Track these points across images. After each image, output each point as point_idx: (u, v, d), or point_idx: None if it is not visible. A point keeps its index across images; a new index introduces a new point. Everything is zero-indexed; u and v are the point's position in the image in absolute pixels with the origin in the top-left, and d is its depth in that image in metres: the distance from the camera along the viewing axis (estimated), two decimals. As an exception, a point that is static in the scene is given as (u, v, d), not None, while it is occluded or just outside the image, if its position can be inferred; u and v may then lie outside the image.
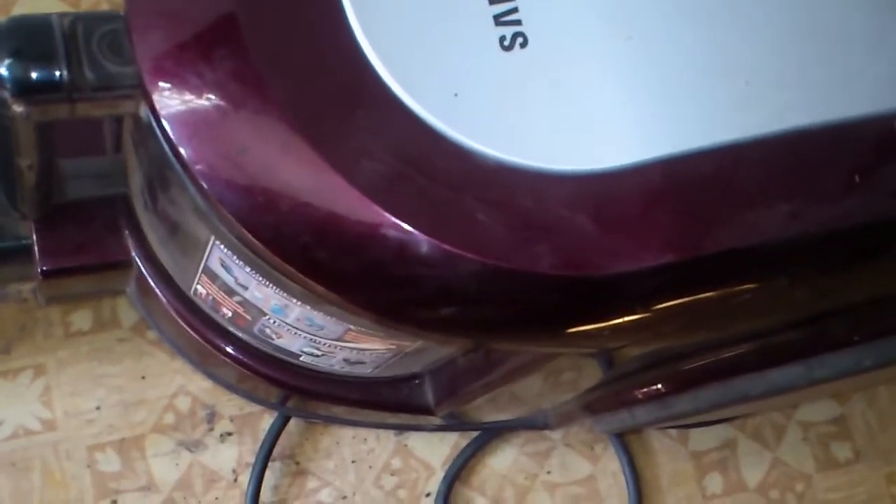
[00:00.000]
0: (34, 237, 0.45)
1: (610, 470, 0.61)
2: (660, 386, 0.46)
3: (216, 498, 0.56)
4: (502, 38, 0.33)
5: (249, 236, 0.33)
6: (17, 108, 0.34)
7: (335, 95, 0.33)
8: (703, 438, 0.63)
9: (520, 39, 0.33)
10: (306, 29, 0.34)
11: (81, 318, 0.57)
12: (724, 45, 0.36)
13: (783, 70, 0.36)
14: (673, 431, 0.62)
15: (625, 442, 0.61)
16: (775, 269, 0.36)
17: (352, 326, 0.38)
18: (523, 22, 0.33)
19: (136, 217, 0.45)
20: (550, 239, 0.33)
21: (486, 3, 0.34)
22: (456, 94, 0.33)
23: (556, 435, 0.61)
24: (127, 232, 0.46)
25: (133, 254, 0.46)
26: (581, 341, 0.36)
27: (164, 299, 0.46)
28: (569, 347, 0.37)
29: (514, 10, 0.33)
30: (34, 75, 0.34)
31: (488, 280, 0.33)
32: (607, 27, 0.34)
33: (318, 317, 0.38)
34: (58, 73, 0.34)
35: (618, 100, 0.34)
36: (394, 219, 0.32)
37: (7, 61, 0.34)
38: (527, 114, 0.33)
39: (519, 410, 0.60)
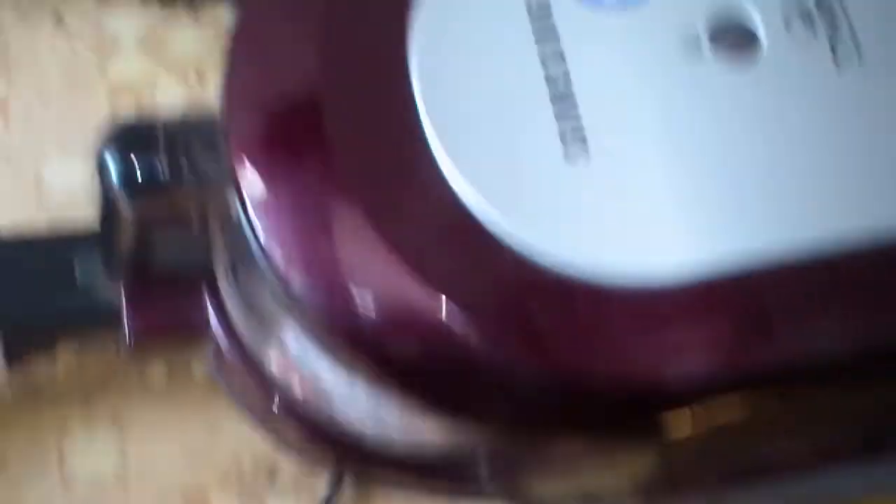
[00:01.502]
0: (123, 301, 0.48)
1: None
2: (712, 478, 0.47)
3: (275, 552, 0.59)
4: (567, 151, 0.35)
5: (323, 331, 0.35)
6: (122, 205, 0.37)
7: (412, 201, 0.35)
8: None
9: (584, 153, 0.35)
10: (384, 133, 0.36)
11: (157, 372, 0.60)
12: (783, 159, 0.37)
13: (842, 186, 0.37)
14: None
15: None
16: (836, 382, 0.37)
17: (416, 414, 0.40)
18: (587, 137, 0.35)
19: (217, 290, 0.48)
20: (607, 348, 0.34)
21: (553, 117, 0.36)
22: (521, 204, 0.35)
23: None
24: (208, 302, 0.49)
25: (212, 323, 0.49)
26: (633, 448, 0.38)
27: (238, 367, 0.49)
28: (621, 454, 0.39)
29: (579, 125, 0.35)
30: (138, 175, 0.37)
31: (542, 384, 0.35)
32: (668, 137, 0.36)
33: (384, 402, 0.40)
34: (160, 173, 0.37)
35: (677, 214, 0.35)
36: (462, 319, 0.34)
37: (113, 161, 0.37)
38: (589, 226, 0.35)
39: (574, 488, 0.61)
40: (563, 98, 0.35)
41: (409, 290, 0.34)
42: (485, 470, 0.52)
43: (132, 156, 0.36)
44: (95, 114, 0.65)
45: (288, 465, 0.60)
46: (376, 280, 0.35)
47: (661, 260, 0.35)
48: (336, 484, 0.58)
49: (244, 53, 0.38)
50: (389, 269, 0.35)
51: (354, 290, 0.35)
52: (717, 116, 0.37)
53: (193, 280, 0.49)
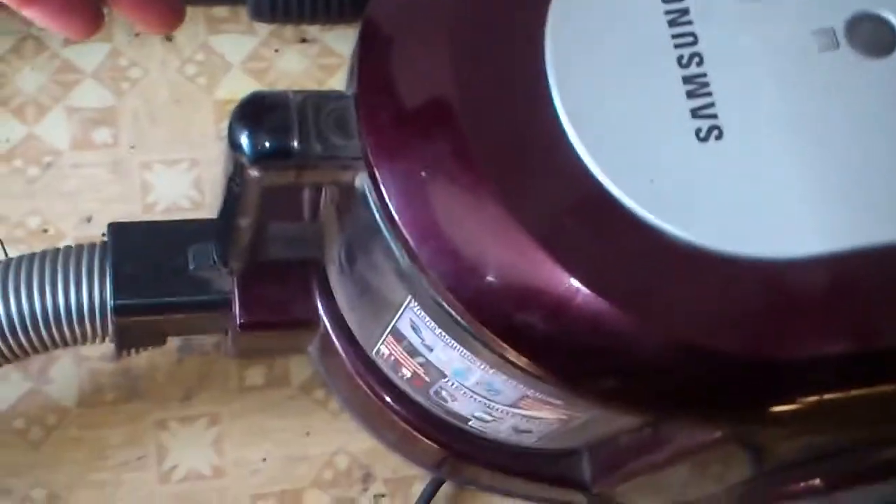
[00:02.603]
0: (235, 292, 0.49)
1: (754, 570, 0.61)
2: (818, 481, 0.46)
3: (366, 557, 0.59)
4: (698, 130, 0.36)
5: (452, 299, 0.36)
6: (251, 173, 0.39)
7: (540, 176, 0.36)
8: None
9: (715, 132, 0.36)
10: (515, 113, 0.37)
11: (256, 374, 0.61)
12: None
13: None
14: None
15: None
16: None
17: (529, 393, 0.40)
18: (719, 116, 0.36)
19: (327, 280, 0.49)
20: (734, 318, 0.34)
21: (685, 97, 0.36)
22: (652, 180, 0.35)
23: (700, 528, 0.61)
24: (317, 294, 0.49)
25: (321, 314, 0.49)
26: (754, 424, 0.37)
27: (344, 358, 0.49)
28: (743, 429, 0.38)
29: (711, 104, 0.36)
30: (269, 144, 0.38)
31: (669, 354, 0.35)
32: (798, 126, 0.36)
33: (498, 381, 0.41)
34: (290, 144, 0.38)
35: (805, 194, 0.35)
36: (589, 292, 0.34)
37: (246, 131, 0.38)
38: (718, 201, 0.35)
39: (663, 500, 0.60)
40: (695, 78, 0.36)
41: (537, 261, 0.35)
42: (588, 469, 0.51)
43: (263, 126, 0.37)
44: (201, 129, 0.67)
45: (383, 470, 0.60)
46: (504, 250, 0.35)
47: (789, 235, 0.35)
48: (432, 488, 0.58)
49: (378, 33, 0.39)
50: (518, 240, 0.35)
51: (482, 260, 0.35)
52: (848, 103, 0.37)
53: (303, 272, 0.50)
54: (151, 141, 0.65)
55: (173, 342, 0.60)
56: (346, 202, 0.42)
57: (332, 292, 0.49)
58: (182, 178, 0.65)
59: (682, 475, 0.60)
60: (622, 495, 0.59)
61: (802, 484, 0.47)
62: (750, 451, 0.53)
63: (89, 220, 0.63)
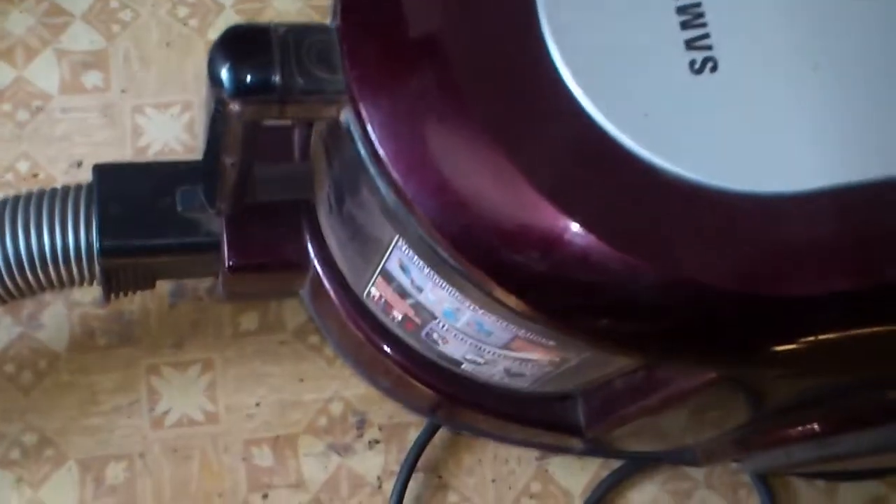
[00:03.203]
0: (224, 234, 0.48)
1: (752, 516, 0.60)
2: (816, 426, 0.46)
3: (360, 502, 0.58)
4: (693, 62, 0.34)
5: (438, 236, 0.35)
6: (233, 108, 0.37)
7: (528, 108, 0.35)
8: (852, 493, 0.61)
9: (710, 64, 0.34)
10: (503, 45, 0.36)
11: (249, 320, 0.60)
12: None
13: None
14: (820, 483, 0.61)
15: (770, 489, 0.60)
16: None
17: (520, 333, 0.40)
18: (714, 47, 0.35)
19: (317, 222, 0.48)
20: (731, 255, 0.33)
21: (679, 28, 0.35)
22: (646, 114, 0.34)
23: (698, 475, 0.61)
24: (307, 236, 0.48)
25: (311, 257, 0.48)
26: (752, 365, 0.36)
27: (336, 302, 0.48)
28: (739, 370, 0.38)
29: (706, 35, 0.35)
30: (250, 78, 0.37)
31: (664, 292, 0.34)
32: (796, 56, 0.35)
33: (489, 322, 0.40)
34: (272, 78, 0.37)
35: (804, 126, 0.34)
36: (578, 227, 0.33)
37: (227, 64, 0.37)
38: (714, 135, 0.34)
39: (661, 445, 0.60)
40: (689, 8, 0.35)
41: (526, 196, 0.34)
42: (582, 413, 0.51)
43: (245, 59, 0.36)
44: (193, 72, 0.66)
45: (378, 416, 0.60)
46: (492, 186, 0.34)
47: (785, 170, 0.34)
48: (426, 435, 0.57)
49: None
50: (507, 175, 0.34)
51: (469, 195, 0.34)
52: (846, 34, 0.35)
53: (293, 214, 0.49)
54: (143, 84, 0.64)
55: (165, 288, 0.60)
56: (332, 138, 0.41)
57: (322, 235, 0.48)
58: (174, 122, 0.64)
59: (679, 420, 0.60)
60: (619, 440, 0.58)
61: (800, 428, 0.46)
62: (745, 395, 0.53)
63: (80, 164, 0.62)
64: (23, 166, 0.61)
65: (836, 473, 0.60)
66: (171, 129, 0.64)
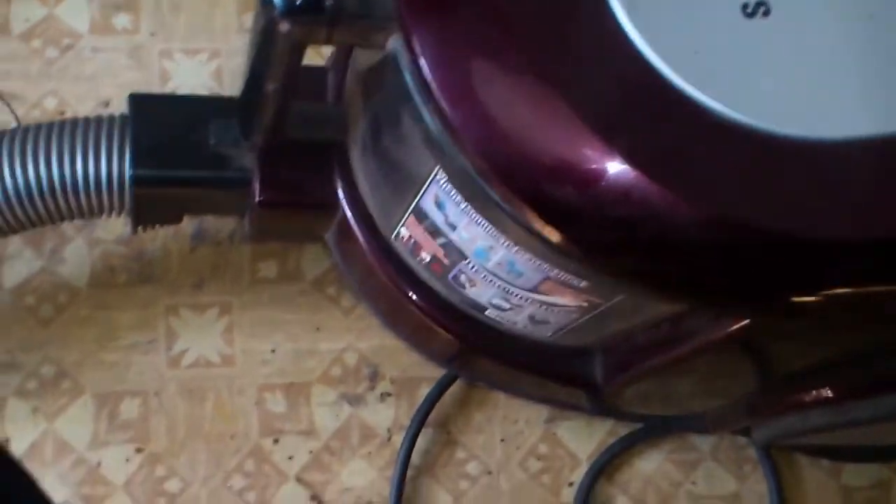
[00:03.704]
0: (256, 170, 0.48)
1: (756, 491, 0.61)
2: (828, 390, 0.46)
3: (369, 453, 0.59)
4: (745, 6, 0.35)
5: (483, 166, 0.35)
6: (282, 28, 0.38)
7: (578, 41, 0.35)
8: (857, 475, 0.62)
9: (763, 8, 0.35)
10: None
11: (268, 267, 0.60)
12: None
13: None
14: (825, 463, 0.61)
15: (775, 465, 0.60)
16: None
17: (552, 274, 0.40)
18: (766, -8, 0.35)
19: (348, 164, 0.48)
20: (773, 197, 0.34)
21: (732, -28, 0.35)
22: (696, 52, 0.34)
23: (705, 448, 0.61)
24: (337, 178, 0.49)
25: (340, 198, 0.49)
26: (784, 312, 0.37)
27: (363, 244, 0.49)
28: (771, 318, 0.38)
29: (759, -19, 0.35)
30: None
31: (703, 230, 0.34)
32: (850, 5, 0.35)
33: (521, 261, 0.40)
34: (324, -1, 0.37)
35: (854, 75, 0.35)
36: (623, 161, 0.34)
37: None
38: (762, 78, 0.34)
39: (672, 409, 0.60)
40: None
41: (573, 128, 0.34)
42: (600, 368, 0.51)
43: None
44: (223, 20, 0.66)
45: (391, 369, 0.60)
46: (540, 117, 0.34)
47: (834, 116, 0.34)
48: (438, 391, 0.58)
49: None
50: (555, 107, 0.34)
51: (516, 125, 0.35)
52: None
53: (324, 156, 0.49)
54: (172, 29, 0.64)
55: (187, 230, 0.60)
56: (372, 73, 0.41)
57: (352, 178, 0.48)
58: (202, 69, 0.64)
59: (693, 382, 0.60)
60: (628, 403, 0.59)
61: (813, 392, 0.46)
62: (760, 357, 0.53)
63: (107, 104, 0.62)
64: (50, 103, 0.62)
65: (843, 453, 0.60)
66: (198, 76, 0.64)
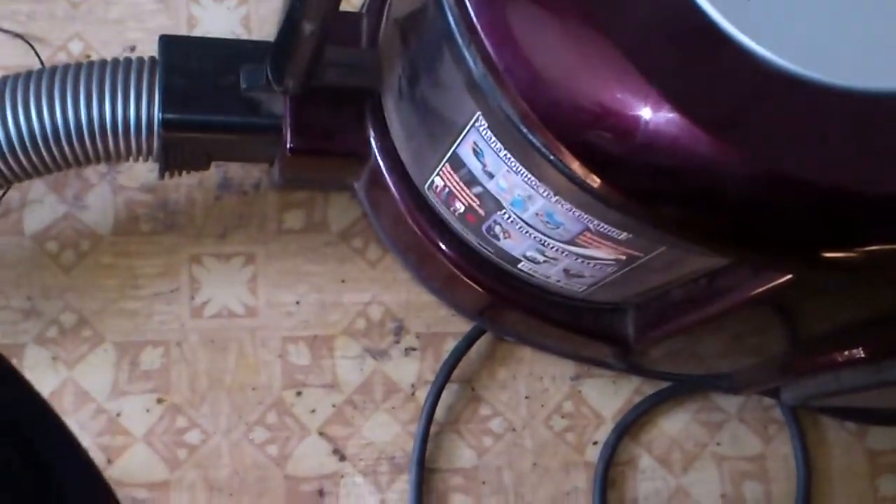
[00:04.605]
0: (287, 116, 0.47)
1: (781, 453, 0.60)
2: (860, 350, 0.45)
3: (393, 407, 0.58)
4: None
5: (527, 109, 0.34)
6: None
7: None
8: (882, 438, 0.61)
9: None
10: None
11: (294, 218, 0.59)
12: None
13: None
14: (851, 425, 0.61)
15: (801, 427, 0.60)
16: None
17: (592, 225, 0.39)
18: (824, -62, 0.34)
19: (381, 113, 0.47)
20: (822, 149, 0.33)
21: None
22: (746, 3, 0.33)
23: (730, 408, 0.60)
24: (369, 126, 0.48)
25: (372, 146, 0.48)
26: (828, 267, 0.36)
27: (394, 194, 0.48)
28: (815, 272, 0.37)
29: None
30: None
31: (749, 180, 0.33)
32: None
33: (560, 211, 0.39)
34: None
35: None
36: (671, 108, 0.33)
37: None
38: (815, 28, 0.33)
39: (700, 369, 0.60)
40: None
41: (621, 73, 0.33)
42: (631, 324, 0.50)
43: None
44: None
45: (416, 324, 0.59)
46: (587, 61, 0.33)
47: (885, 67, 0.33)
48: (464, 345, 0.57)
49: None
50: (603, 51, 0.33)
51: (562, 68, 0.34)
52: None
53: (357, 103, 0.48)
54: (199, -25, 0.63)
55: (212, 180, 0.59)
56: (411, 18, 0.40)
57: (385, 126, 0.47)
58: (230, 15, 0.63)
59: (720, 344, 0.59)
60: (655, 362, 0.58)
61: (846, 352, 0.46)
62: (791, 317, 0.52)
63: (133, 49, 0.61)
64: (76, 47, 0.61)
65: (870, 415, 0.59)
66: (226, 22, 0.63)
